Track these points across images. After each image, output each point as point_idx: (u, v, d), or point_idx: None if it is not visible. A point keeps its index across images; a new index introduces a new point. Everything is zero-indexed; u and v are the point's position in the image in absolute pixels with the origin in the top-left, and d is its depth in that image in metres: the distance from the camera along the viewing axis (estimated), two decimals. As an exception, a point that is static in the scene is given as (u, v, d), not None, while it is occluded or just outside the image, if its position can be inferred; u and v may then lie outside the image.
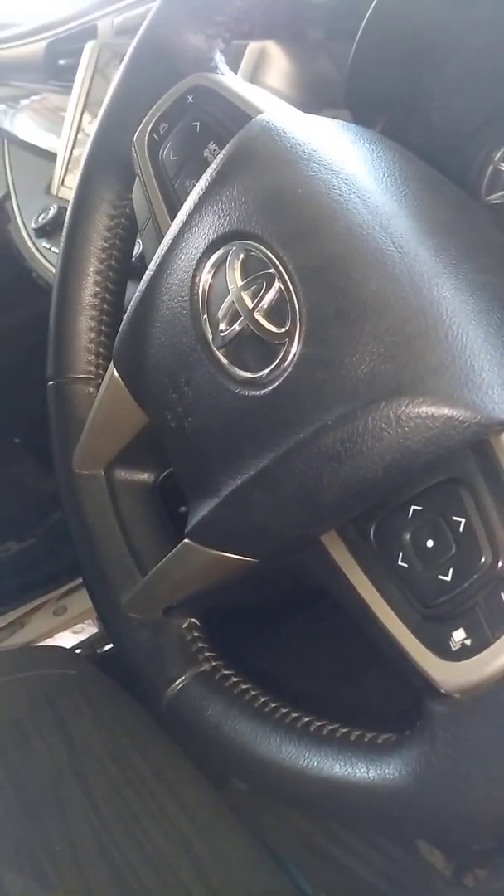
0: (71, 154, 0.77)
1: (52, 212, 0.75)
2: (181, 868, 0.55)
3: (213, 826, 0.58)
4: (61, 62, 0.84)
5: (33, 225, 0.77)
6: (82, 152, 0.48)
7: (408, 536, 0.31)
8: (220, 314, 0.34)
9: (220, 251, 0.35)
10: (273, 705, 0.38)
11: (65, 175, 0.78)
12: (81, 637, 0.97)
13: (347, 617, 0.34)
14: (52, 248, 0.75)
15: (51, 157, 0.80)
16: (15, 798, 0.59)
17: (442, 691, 0.29)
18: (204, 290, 0.35)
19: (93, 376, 0.49)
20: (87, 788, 0.60)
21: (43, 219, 0.76)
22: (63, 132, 0.78)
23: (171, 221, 0.39)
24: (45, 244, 0.76)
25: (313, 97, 0.57)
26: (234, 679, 0.40)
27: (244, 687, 0.40)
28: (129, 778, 0.60)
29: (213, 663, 0.41)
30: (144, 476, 0.48)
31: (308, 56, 0.58)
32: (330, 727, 0.35)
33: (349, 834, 0.75)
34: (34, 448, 1.25)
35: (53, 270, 0.74)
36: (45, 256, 0.76)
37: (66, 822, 0.58)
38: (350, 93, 0.48)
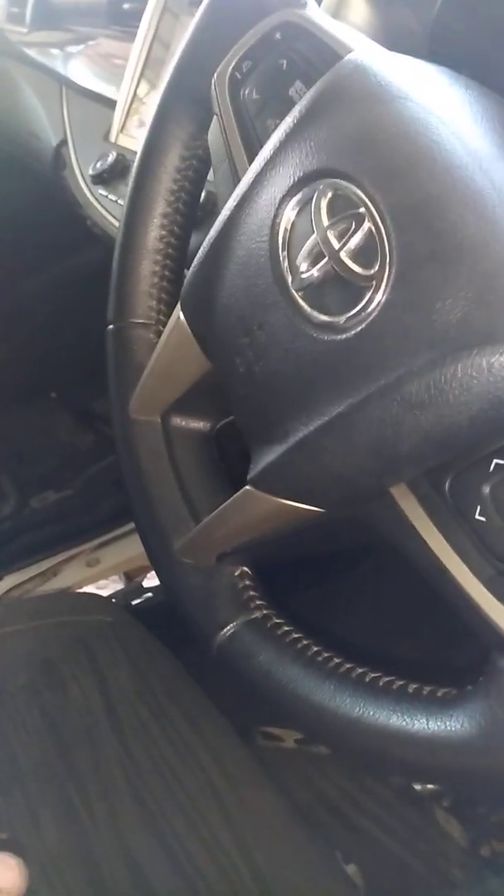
0: (132, 100, 0.76)
1: (110, 159, 0.74)
2: (210, 813, 0.56)
3: (242, 777, 0.59)
4: (125, 6, 0.82)
5: (91, 172, 0.76)
6: (146, 98, 0.47)
7: (487, 490, 0.30)
8: (303, 255, 0.34)
9: (306, 189, 0.34)
10: (326, 655, 0.38)
11: (125, 121, 0.76)
12: (113, 589, 0.98)
13: (405, 571, 0.34)
14: (109, 196, 0.74)
15: (109, 103, 0.79)
16: (49, 739, 0.60)
17: (514, 647, 0.29)
18: (286, 229, 0.34)
19: (153, 322, 0.48)
20: (119, 732, 0.61)
21: (101, 166, 0.75)
22: (125, 77, 0.77)
23: (249, 163, 0.38)
24: (101, 191, 0.75)
25: (392, 48, 0.55)
26: (286, 628, 0.40)
27: (296, 636, 0.40)
28: (161, 724, 0.61)
29: (265, 611, 0.41)
30: (201, 425, 0.48)
31: (389, 5, 0.56)
32: (386, 679, 0.35)
33: (368, 798, 0.76)
34: (70, 403, 1.25)
35: (110, 218, 0.74)
36: (102, 204, 0.75)
37: (98, 764, 0.59)
38: (434, 45, 0.47)
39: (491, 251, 0.28)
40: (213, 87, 0.42)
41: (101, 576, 1.01)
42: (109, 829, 0.56)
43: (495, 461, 0.30)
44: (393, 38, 0.57)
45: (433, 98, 0.33)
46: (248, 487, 0.38)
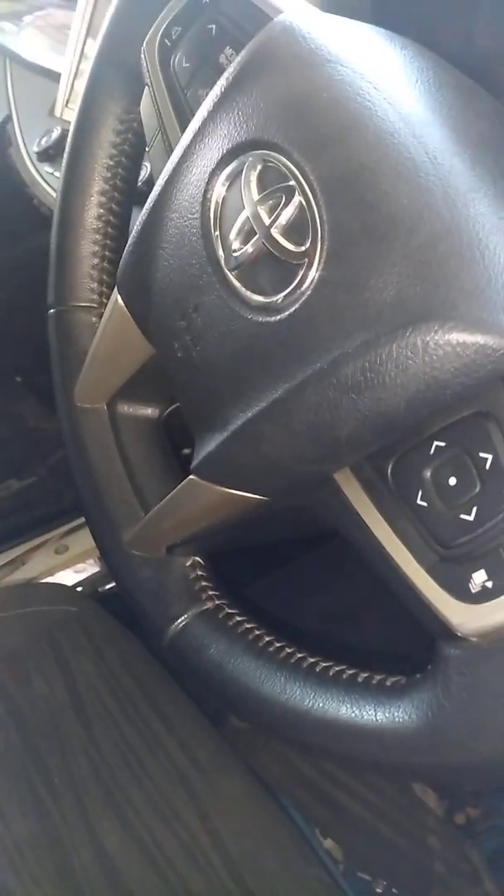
0: (76, 72, 0.73)
1: (55, 134, 0.71)
2: (179, 803, 0.56)
3: (210, 763, 0.58)
4: (68, -28, 0.79)
5: (35, 148, 0.73)
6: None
7: (429, 474, 0.29)
8: (234, 232, 0.32)
9: (236, 162, 0.32)
10: (277, 645, 0.37)
11: (69, 95, 0.73)
12: (82, 576, 0.97)
13: (357, 558, 0.33)
14: (55, 173, 0.71)
15: (56, 77, 0.76)
16: (15, 732, 0.60)
17: (458, 634, 0.28)
18: (217, 205, 0.33)
19: (95, 305, 0.46)
20: (86, 724, 0.60)
21: (45, 142, 0.72)
22: (68, 48, 0.74)
23: (182, 134, 0.36)
24: (47, 168, 0.72)
25: (331, 8, 0.53)
26: (238, 618, 0.39)
27: (248, 626, 0.39)
28: (128, 714, 0.61)
29: (217, 602, 0.40)
30: (148, 411, 0.47)
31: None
32: (336, 668, 0.34)
33: (343, 772, 0.76)
34: (36, 387, 1.22)
35: (55, 196, 0.71)
36: (48, 181, 0.72)
37: (65, 756, 0.58)
38: (377, 7, 0.45)
39: (425, 223, 0.27)
40: (142, 55, 0.40)
41: (71, 563, 1.00)
42: (77, 819, 0.55)
43: (436, 444, 0.29)
44: (335, 2, 0.55)
45: (365, 61, 0.31)
46: (191, 477, 0.37)
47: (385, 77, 0.30)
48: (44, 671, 0.64)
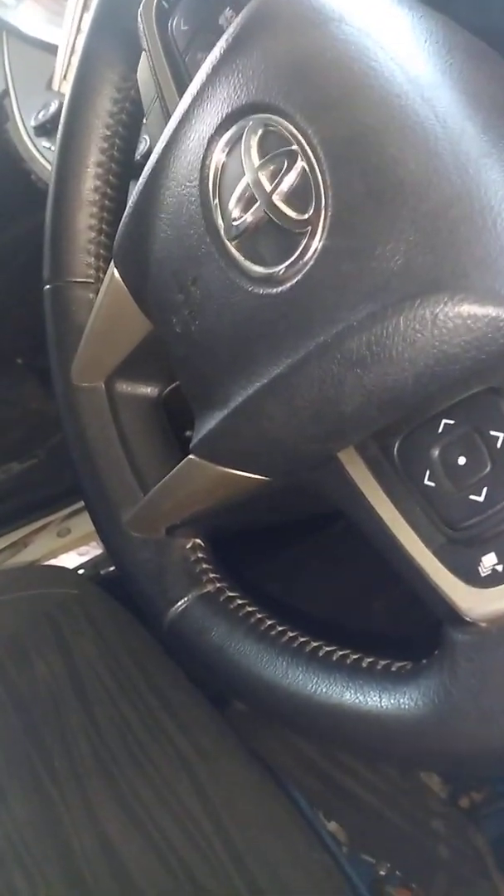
0: (74, 44, 0.71)
1: (52, 108, 0.70)
2: (180, 787, 0.55)
3: (212, 747, 0.58)
4: None
5: (32, 123, 0.72)
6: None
7: (437, 453, 0.28)
8: (234, 200, 0.31)
9: (236, 127, 0.31)
10: (280, 629, 0.36)
11: (67, 67, 0.72)
12: (85, 559, 0.96)
13: (363, 540, 0.32)
14: (52, 148, 0.70)
15: (54, 50, 0.74)
16: (15, 715, 0.59)
17: (467, 619, 0.27)
18: (216, 172, 0.31)
19: (93, 280, 0.45)
20: (87, 708, 0.59)
21: (43, 116, 0.70)
22: (65, 21, 0.72)
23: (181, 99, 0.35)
24: (44, 143, 0.71)
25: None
26: (240, 601, 0.38)
27: (249, 609, 0.38)
28: (129, 697, 0.60)
29: (218, 585, 0.39)
30: (147, 390, 0.45)
31: None
32: (340, 653, 0.33)
33: (347, 756, 0.75)
34: (37, 369, 1.21)
35: (53, 170, 0.69)
36: (45, 156, 0.70)
37: (65, 739, 0.58)
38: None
39: (434, 188, 0.25)
40: (139, 19, 0.38)
41: (73, 545, 0.99)
42: (78, 803, 0.55)
43: (444, 421, 0.27)
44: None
45: (371, 20, 0.29)
46: (190, 456, 0.36)
47: (392, 37, 0.29)
48: (45, 654, 0.63)
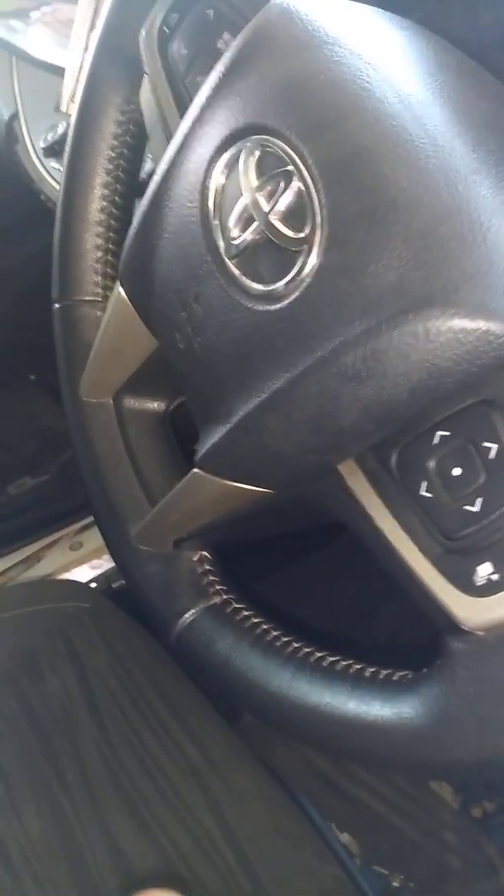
0: (81, 66, 0.73)
1: (60, 129, 0.71)
2: (193, 801, 0.55)
3: (224, 759, 0.58)
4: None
5: (41, 144, 0.73)
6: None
7: (433, 464, 0.28)
8: (234, 220, 0.31)
9: (234, 149, 0.31)
10: (285, 640, 0.37)
11: (75, 90, 0.73)
12: (97, 572, 0.97)
13: (363, 551, 0.32)
14: (61, 168, 0.71)
15: (62, 72, 0.76)
16: (28, 729, 0.60)
17: (464, 628, 0.27)
18: (216, 193, 0.32)
19: (100, 298, 0.46)
20: (99, 721, 0.60)
21: (51, 137, 0.72)
22: (71, 43, 0.73)
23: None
24: (54, 164, 0.72)
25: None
26: (246, 613, 0.39)
27: (255, 621, 0.38)
28: (141, 711, 0.60)
29: (224, 597, 0.40)
30: (154, 405, 0.46)
31: None
32: (343, 663, 0.34)
33: (359, 767, 0.75)
34: (49, 385, 1.23)
35: (61, 191, 0.71)
36: (54, 177, 0.72)
37: (78, 753, 0.58)
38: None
39: (425, 206, 0.26)
40: (140, 44, 0.40)
41: (85, 559, 1.00)
42: (91, 816, 0.55)
43: (439, 433, 0.28)
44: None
45: (364, 42, 0.30)
46: (195, 470, 0.36)
47: (384, 58, 0.30)
48: (57, 668, 0.64)
